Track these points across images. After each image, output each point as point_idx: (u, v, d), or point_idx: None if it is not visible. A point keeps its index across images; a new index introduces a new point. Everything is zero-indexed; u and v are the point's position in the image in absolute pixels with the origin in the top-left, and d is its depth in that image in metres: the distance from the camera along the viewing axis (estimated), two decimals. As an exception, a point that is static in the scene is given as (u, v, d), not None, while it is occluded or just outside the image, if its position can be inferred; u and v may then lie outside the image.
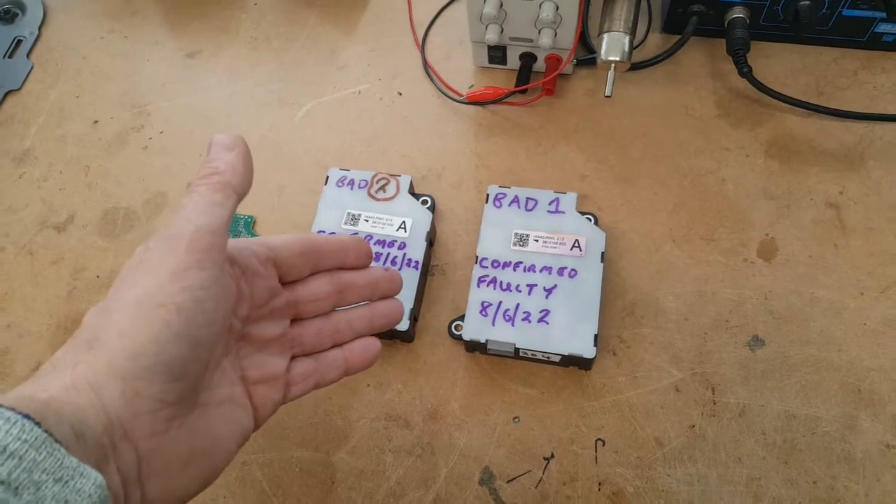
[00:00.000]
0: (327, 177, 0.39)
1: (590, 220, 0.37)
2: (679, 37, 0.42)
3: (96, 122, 0.45)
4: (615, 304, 0.36)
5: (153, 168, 0.43)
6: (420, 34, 0.46)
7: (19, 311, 0.40)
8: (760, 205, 0.38)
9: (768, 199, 0.39)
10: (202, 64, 0.47)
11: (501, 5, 0.39)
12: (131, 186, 0.43)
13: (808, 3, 0.39)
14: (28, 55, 0.48)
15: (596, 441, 0.33)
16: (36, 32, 0.49)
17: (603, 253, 0.36)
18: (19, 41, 0.49)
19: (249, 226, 0.40)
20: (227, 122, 0.44)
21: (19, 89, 0.47)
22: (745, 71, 0.40)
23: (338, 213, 0.38)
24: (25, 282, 0.40)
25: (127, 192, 0.42)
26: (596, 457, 0.33)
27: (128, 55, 0.48)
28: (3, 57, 0.48)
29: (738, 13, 0.41)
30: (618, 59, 0.37)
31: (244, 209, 0.41)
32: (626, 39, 0.38)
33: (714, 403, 0.34)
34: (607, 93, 0.38)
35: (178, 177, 0.43)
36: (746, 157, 0.40)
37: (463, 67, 0.44)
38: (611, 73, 0.38)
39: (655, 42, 0.44)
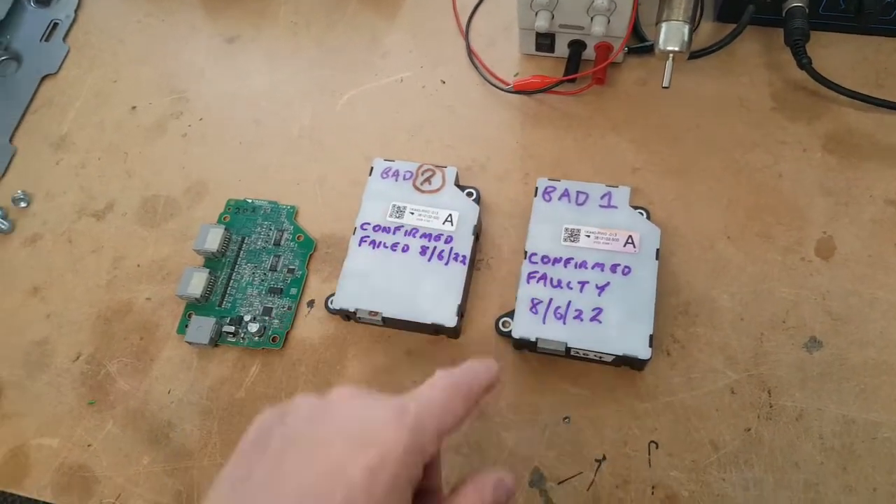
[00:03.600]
0: (372, 167, 0.37)
1: (642, 214, 0.35)
2: (734, 26, 0.39)
3: (134, 107, 0.43)
4: (668, 302, 0.34)
5: (193, 156, 0.41)
6: (463, 20, 0.43)
7: (59, 300, 0.38)
8: (818, 201, 0.36)
9: (826, 195, 0.36)
10: (241, 49, 0.44)
11: (553, -9, 0.36)
12: (171, 174, 0.41)
13: (870, -9, 0.36)
14: (64, 39, 0.46)
15: (649, 443, 0.32)
16: (72, 16, 0.47)
17: (658, 250, 0.33)
18: (55, 24, 0.47)
19: (292, 216, 0.38)
20: (268, 110, 0.42)
21: (56, 73, 0.45)
22: (805, 62, 0.37)
23: (383, 205, 0.36)
24: (65, 270, 0.39)
25: (167, 180, 0.40)
26: (649, 459, 0.31)
27: (165, 39, 0.46)
28: (40, 41, 0.46)
29: (797, 2, 0.38)
30: (677, 49, 0.35)
31: (286, 199, 0.39)
32: (686, 29, 0.35)
33: (770, 406, 0.32)
34: (665, 84, 0.35)
35: (218, 165, 0.41)
36: (803, 151, 0.37)
37: (508, 55, 0.42)
38: (669, 64, 0.35)
39: (708, 31, 0.41)
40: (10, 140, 0.43)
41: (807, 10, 0.38)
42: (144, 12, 0.47)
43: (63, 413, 0.35)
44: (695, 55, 0.40)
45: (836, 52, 0.39)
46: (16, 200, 0.41)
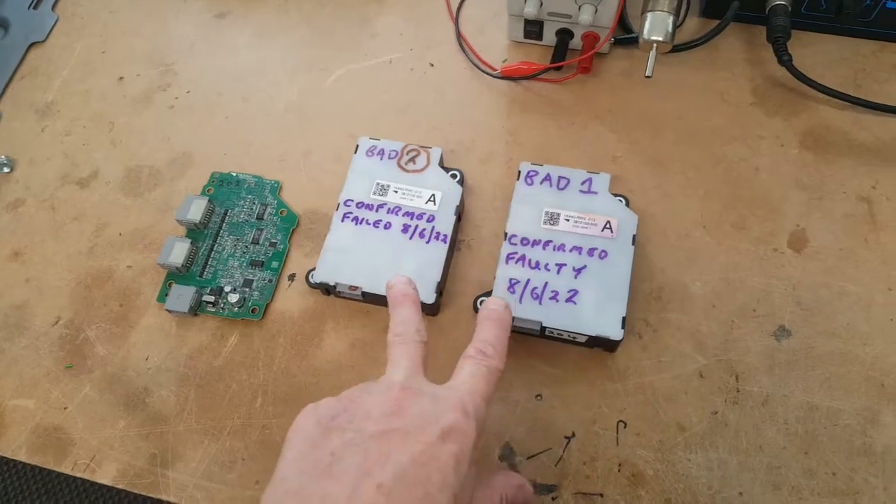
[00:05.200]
0: (357, 145, 0.37)
1: (621, 201, 0.35)
2: (718, 21, 0.39)
3: (121, 78, 0.43)
4: (642, 287, 0.35)
5: (179, 128, 0.41)
6: (454, 6, 0.43)
7: (39, 265, 0.37)
8: (793, 195, 0.36)
9: (801, 189, 0.37)
10: (231, 25, 0.44)
11: (542, -21, 0.36)
12: (156, 145, 0.40)
13: (851, -7, 0.37)
14: (53, 7, 0.46)
15: (618, 423, 0.32)
16: (62, -16, 0.46)
17: (634, 236, 0.34)
18: (44, -8, 0.46)
19: (276, 191, 0.38)
20: (256, 86, 0.42)
21: (43, 41, 0.44)
22: (785, 59, 0.38)
23: (367, 183, 0.36)
24: (46, 236, 0.38)
25: (151, 150, 0.40)
26: (617, 438, 0.32)
27: (155, 12, 0.45)
28: (28, 8, 0.46)
29: (779, 0, 0.38)
30: (661, 39, 0.35)
31: (271, 174, 0.39)
32: (670, 20, 0.35)
33: (737, 391, 0.32)
34: (648, 73, 0.35)
35: (204, 138, 0.40)
36: (781, 146, 0.38)
37: (496, 41, 0.42)
38: (652, 54, 0.35)
39: (694, 25, 0.41)
40: (-5, 106, 0.42)
41: (789, 9, 0.38)
42: (136, -16, 0.46)
43: (40, 376, 0.35)
44: (679, 48, 0.40)
45: (817, 52, 0.40)
46: (-1, 165, 0.40)
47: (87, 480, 0.33)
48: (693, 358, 0.33)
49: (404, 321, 0.28)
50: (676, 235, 0.36)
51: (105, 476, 0.32)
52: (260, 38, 0.43)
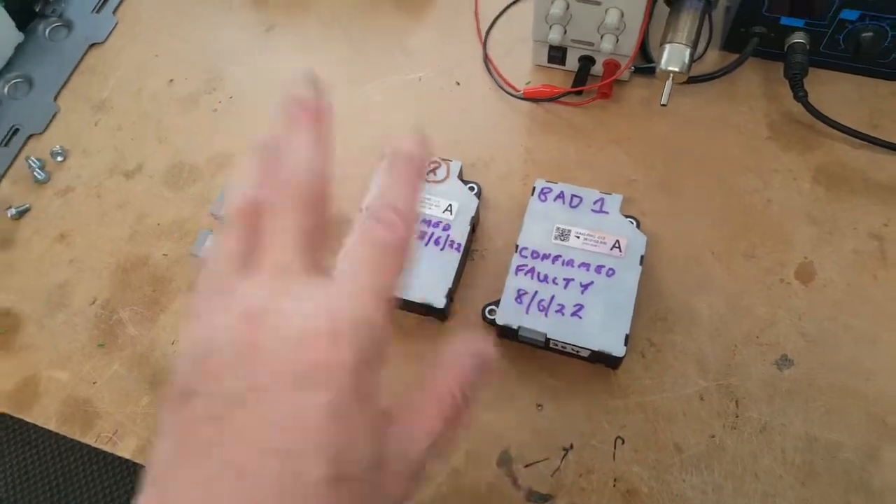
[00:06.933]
0: (382, 155, 0.38)
1: (632, 223, 0.36)
2: (738, 55, 0.40)
3: (171, 81, 0.45)
4: (649, 308, 0.35)
5: (220, 129, 0.43)
6: (484, 28, 0.45)
7: (83, 247, 0.40)
8: (803, 228, 0.36)
9: (811, 223, 0.37)
10: (276, 36, 0.46)
11: (568, 7, 0.38)
12: (198, 144, 0.42)
13: (870, 34, 0.37)
14: (114, 12, 0.49)
15: (616, 438, 0.32)
16: (124, -8, 0.49)
17: (642, 256, 0.34)
18: (108, -1, 0.49)
19: (303, 193, 0.40)
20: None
21: (103, 43, 0.47)
22: (801, 95, 0.38)
23: (389, 190, 0.37)
24: (91, 221, 0.41)
25: (194, 149, 0.42)
26: (614, 453, 0.32)
27: (206, 20, 0.48)
28: (91, 11, 0.49)
29: (798, 38, 0.39)
30: (677, 69, 0.36)
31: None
32: (687, 52, 0.36)
33: (737, 416, 0.32)
34: (663, 101, 0.36)
35: (242, 140, 0.42)
36: (794, 180, 0.38)
37: (521, 65, 0.43)
38: (668, 83, 0.36)
39: (714, 58, 0.42)
40: (55, 99, 0.45)
41: (807, 47, 0.39)
42: (191, -5, 0.49)
43: (75, 350, 0.37)
44: (698, 80, 0.41)
45: (834, 90, 0.40)
46: (54, 154, 0.43)
47: (109, 453, 0.34)
48: (694, 381, 0.33)
49: (388, 196, 0.19)
50: (685, 259, 0.36)
51: (125, 450, 0.34)
52: (302, 51, 0.46)
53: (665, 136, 0.40)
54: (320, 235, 0.19)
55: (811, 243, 0.36)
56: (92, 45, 0.47)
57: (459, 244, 0.35)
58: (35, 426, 0.35)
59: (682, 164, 0.39)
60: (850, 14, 0.37)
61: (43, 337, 0.37)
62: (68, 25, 0.48)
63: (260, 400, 0.17)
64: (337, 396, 0.17)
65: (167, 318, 0.37)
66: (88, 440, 0.34)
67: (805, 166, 0.38)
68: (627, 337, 0.32)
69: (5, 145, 0.44)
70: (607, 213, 0.36)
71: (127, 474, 0.33)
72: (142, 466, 0.34)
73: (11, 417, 0.35)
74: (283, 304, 0.18)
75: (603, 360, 0.33)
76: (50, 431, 0.35)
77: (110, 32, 0.48)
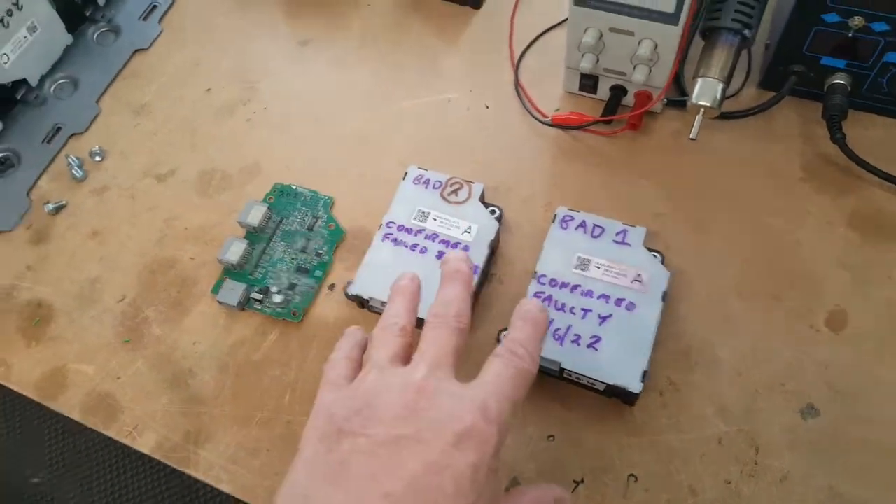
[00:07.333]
0: (406, 173, 0.39)
1: (656, 257, 0.35)
2: (775, 93, 0.39)
3: (209, 89, 0.46)
4: (669, 345, 0.34)
5: (253, 140, 0.44)
6: (517, 53, 0.45)
7: (114, 246, 0.41)
8: (835, 274, 0.35)
9: (844, 269, 0.35)
10: (312, 52, 0.47)
11: (601, 36, 0.37)
12: (231, 153, 0.43)
13: (916, 79, 0.36)
14: (160, 21, 0.50)
15: (628, 476, 0.31)
16: (171, 1, 0.51)
17: (665, 292, 0.33)
18: (154, 7, 0.51)
19: (328, 206, 0.40)
20: (326, 109, 0.44)
21: (147, 49, 0.49)
22: (838, 137, 0.37)
23: (409, 209, 0.37)
24: (124, 221, 0.42)
25: (226, 157, 0.43)
26: (626, 491, 0.31)
27: (247, 34, 0.49)
28: (138, 19, 0.51)
29: (839, 79, 0.38)
30: (708, 104, 0.35)
31: (326, 190, 0.41)
32: (720, 87, 0.35)
33: (755, 464, 0.31)
34: (692, 135, 0.35)
35: (272, 151, 0.43)
36: (827, 223, 0.37)
37: (552, 91, 0.43)
38: (698, 118, 0.36)
39: (751, 95, 0.41)
40: (97, 101, 0.47)
41: (848, 88, 0.38)
42: (232, 7, 0.50)
43: (101, 346, 0.37)
44: (733, 116, 0.40)
45: (874, 134, 0.39)
46: (92, 154, 0.44)
47: (128, 446, 0.35)
48: (713, 423, 0.32)
49: (447, 301, 0.26)
50: (710, 298, 0.35)
51: (144, 445, 0.34)
52: (336, 67, 0.46)
53: (695, 170, 0.39)
54: (460, 357, 0.26)
55: (843, 290, 0.35)
56: (137, 51, 0.49)
57: (477, 266, 0.35)
58: (58, 416, 0.36)
59: (712, 201, 0.38)
60: (895, 57, 0.36)
61: (73, 330, 0.38)
62: (116, 31, 0.50)
63: (420, 447, 0.22)
64: (481, 461, 0.22)
65: (190, 320, 0.37)
66: (110, 433, 0.35)
67: (839, 210, 0.37)
68: (645, 373, 0.31)
69: (48, 142, 0.45)
70: (630, 245, 0.35)
71: (144, 468, 0.33)
72: (158, 462, 0.34)
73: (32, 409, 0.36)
74: (442, 384, 0.24)
75: (619, 395, 0.33)
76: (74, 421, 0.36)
77: (155, 39, 0.49)
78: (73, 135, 0.46)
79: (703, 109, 0.36)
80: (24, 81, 0.46)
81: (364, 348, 0.28)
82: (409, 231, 0.36)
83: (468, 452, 0.22)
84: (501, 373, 0.24)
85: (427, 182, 0.38)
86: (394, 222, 0.37)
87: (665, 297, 0.33)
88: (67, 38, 0.49)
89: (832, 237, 0.36)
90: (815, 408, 0.32)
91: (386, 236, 0.36)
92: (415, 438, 0.22)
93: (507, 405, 0.24)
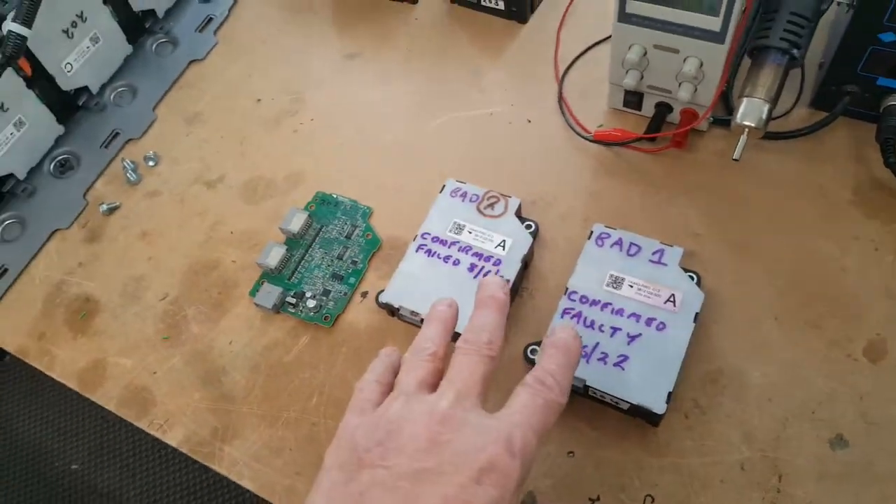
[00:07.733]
0: (444, 185, 0.45)
1: (692, 278, 0.40)
2: (826, 114, 0.44)
3: (259, 100, 0.55)
4: (699, 367, 0.39)
5: (298, 150, 0.52)
6: (561, 69, 0.51)
7: (162, 247, 0.50)
8: (879, 303, 0.39)
9: (889, 298, 0.39)
10: (358, 66, 0.56)
11: (645, 53, 0.43)
12: (277, 161, 0.52)
13: (983, 102, 0.40)
14: (215, 32, 0.60)
15: (646, 496, 0.36)
16: (226, 13, 0.61)
17: (697, 314, 0.38)
18: (210, 19, 0.61)
19: (366, 215, 0.48)
20: (370, 121, 0.52)
21: (202, 60, 0.59)
22: (892, 161, 0.41)
23: (445, 221, 0.44)
24: (172, 224, 0.50)
25: (272, 165, 0.52)
26: (643, 511, 0.36)
27: (297, 48, 0.58)
28: (195, 31, 0.60)
29: (895, 100, 0.42)
30: (752, 125, 0.40)
31: (365, 200, 0.48)
32: (766, 108, 0.40)
33: (778, 492, 0.35)
34: (735, 156, 0.40)
35: (317, 160, 0.51)
36: (875, 250, 0.41)
37: (596, 107, 0.49)
38: (742, 138, 0.40)
39: (801, 115, 0.46)
40: (154, 109, 0.57)
41: (906, 111, 0.42)
42: (285, 20, 0.60)
43: (141, 341, 0.46)
44: (782, 136, 0.45)
45: (936, 158, 0.43)
46: (147, 159, 0.54)
47: (158, 439, 0.43)
48: (738, 448, 0.37)
49: (478, 328, 0.29)
50: (745, 322, 0.40)
51: (173, 438, 0.42)
52: (381, 80, 0.54)
53: (739, 191, 0.44)
54: (488, 385, 0.28)
55: (886, 319, 0.39)
56: (192, 62, 0.59)
57: (508, 280, 0.41)
58: (97, 405, 0.44)
59: (754, 222, 0.43)
60: (951, 80, 0.40)
61: (115, 325, 0.47)
62: (173, 42, 0.60)
63: (441, 481, 0.24)
64: (501, 497, 0.24)
65: (227, 321, 0.45)
66: (142, 424, 0.43)
67: (890, 237, 0.41)
68: (670, 395, 0.36)
69: (105, 147, 0.55)
70: (666, 265, 0.40)
71: (172, 460, 0.40)
72: (185, 456, 0.42)
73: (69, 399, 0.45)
74: (468, 414, 0.26)
75: (643, 415, 0.38)
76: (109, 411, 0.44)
77: (210, 51, 0.59)
78: (129, 140, 0.55)
79: (747, 130, 0.41)
80: (85, 89, 0.57)
81: (397, 371, 0.31)
82: (443, 243, 0.43)
83: (489, 488, 0.24)
84: (528, 404, 0.27)
85: (464, 195, 0.45)
86: (429, 233, 0.44)
87: (697, 318, 0.38)
88: (127, 49, 0.59)
89: (879, 265, 0.40)
90: (846, 439, 0.36)
91: (420, 247, 0.43)
92: (436, 472, 0.24)
93: (532, 438, 0.26)
